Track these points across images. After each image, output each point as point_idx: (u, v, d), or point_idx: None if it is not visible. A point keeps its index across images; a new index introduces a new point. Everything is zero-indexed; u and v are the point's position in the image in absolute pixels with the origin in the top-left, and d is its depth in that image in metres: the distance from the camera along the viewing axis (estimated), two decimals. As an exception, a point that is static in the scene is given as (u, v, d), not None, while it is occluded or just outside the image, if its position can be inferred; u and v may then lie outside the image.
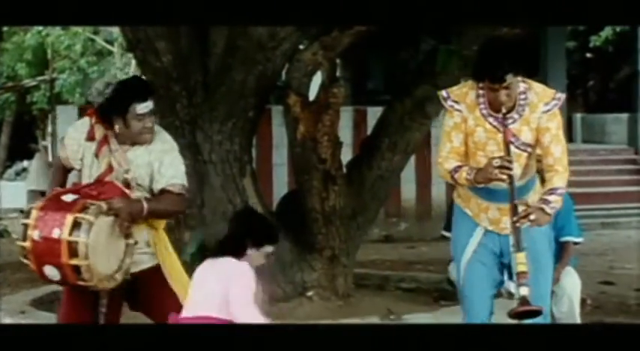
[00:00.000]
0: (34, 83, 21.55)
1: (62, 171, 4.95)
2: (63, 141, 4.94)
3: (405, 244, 12.31)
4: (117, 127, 4.73)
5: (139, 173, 4.69)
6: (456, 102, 4.47)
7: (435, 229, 6.99)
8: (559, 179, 4.47)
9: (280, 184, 11.48)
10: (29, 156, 23.49)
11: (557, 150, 4.49)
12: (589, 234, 14.02)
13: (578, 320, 6.15)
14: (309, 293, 6.64)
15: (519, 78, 4.41)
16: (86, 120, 4.87)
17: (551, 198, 4.41)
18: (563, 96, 4.57)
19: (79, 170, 4.85)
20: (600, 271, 10.07)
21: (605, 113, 21.97)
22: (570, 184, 13.59)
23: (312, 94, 6.81)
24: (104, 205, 4.50)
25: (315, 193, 6.64)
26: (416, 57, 11.27)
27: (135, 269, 4.74)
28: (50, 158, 16.93)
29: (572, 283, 6.15)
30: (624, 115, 19.89)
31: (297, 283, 6.69)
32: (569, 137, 22.24)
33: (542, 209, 4.39)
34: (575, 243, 6.33)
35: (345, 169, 6.90)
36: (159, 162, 4.72)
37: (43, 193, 14.63)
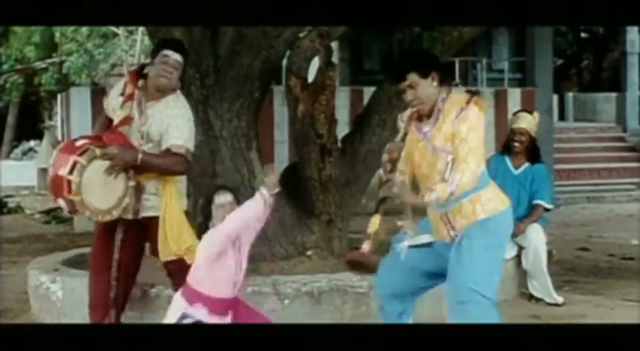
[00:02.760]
0: (43, 65, 21.93)
1: (105, 119, 5.49)
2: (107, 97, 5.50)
3: (398, 217, 12.96)
4: (147, 69, 5.29)
5: (153, 128, 5.20)
6: (402, 120, 4.64)
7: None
8: (459, 176, 4.33)
9: (281, 159, 11.75)
10: (35, 136, 23.77)
11: (463, 150, 4.38)
12: (574, 207, 14.71)
13: (544, 269, 6.74)
14: (309, 253, 6.95)
15: (433, 83, 4.47)
16: (124, 80, 5.43)
17: (438, 186, 4.34)
18: (480, 99, 4.46)
19: None
20: (579, 240, 10.66)
21: (599, 92, 22.31)
22: (559, 160, 14.20)
23: (311, 77, 7.09)
24: (98, 151, 5.04)
25: (313, 164, 6.95)
26: (410, 38, 11.67)
27: (145, 214, 5.28)
28: (59, 137, 17.36)
29: (536, 235, 6.73)
30: (613, 94, 20.29)
31: (298, 243, 6.95)
32: (562, 116, 22.57)
33: (408, 187, 4.41)
34: (546, 209, 6.86)
35: (340, 143, 7.16)
36: (169, 123, 5.20)
37: None
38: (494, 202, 4.51)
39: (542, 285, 6.80)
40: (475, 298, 4.38)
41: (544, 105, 15.17)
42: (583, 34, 28.07)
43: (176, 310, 4.91)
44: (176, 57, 5.29)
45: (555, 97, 21.32)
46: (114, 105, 5.44)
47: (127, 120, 5.28)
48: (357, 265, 4.42)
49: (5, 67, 23.17)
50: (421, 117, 4.55)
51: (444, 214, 4.48)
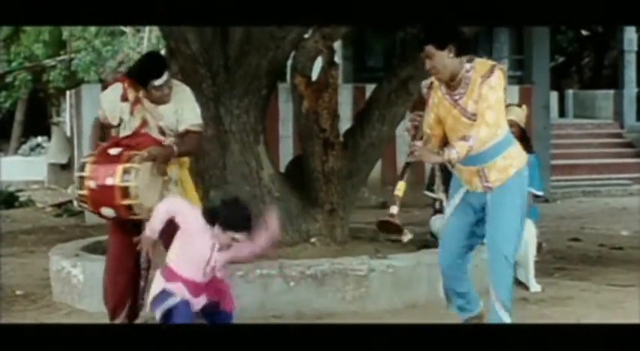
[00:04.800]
0: (52, 63, 22.13)
1: (101, 128, 5.73)
2: (100, 104, 5.66)
3: (399, 209, 13.22)
4: (141, 93, 5.52)
5: (169, 121, 5.52)
6: (429, 88, 5.04)
7: (426, 196, 7.62)
8: (477, 131, 4.74)
9: (286, 153, 12.07)
10: (43, 132, 23.85)
11: (490, 116, 4.77)
12: (571, 201, 14.91)
13: (531, 262, 7.02)
14: (312, 240, 7.22)
15: (450, 55, 4.78)
16: (118, 85, 5.63)
17: (457, 143, 4.74)
18: (502, 67, 4.84)
19: (117, 126, 5.59)
20: (572, 231, 10.75)
21: (599, 90, 22.42)
22: (558, 156, 14.25)
23: (315, 76, 7.35)
24: (145, 154, 5.30)
25: (317, 157, 7.18)
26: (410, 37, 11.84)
27: None
28: (68, 133, 17.61)
29: (527, 230, 6.76)
30: (612, 92, 20.29)
31: (302, 231, 7.22)
32: (562, 112, 22.74)
33: (428, 150, 4.83)
34: (536, 195, 7.05)
35: (342, 137, 7.38)
36: (181, 108, 5.52)
37: (62, 166, 15.52)
38: (520, 157, 5.04)
39: (526, 274, 7.12)
40: (514, 246, 5.08)
41: (541, 102, 15.33)
42: (584, 32, 28.12)
43: (156, 285, 5.06)
44: (165, 78, 5.52)
45: (555, 94, 21.54)
46: (116, 111, 5.62)
47: (145, 122, 5.60)
48: (386, 226, 4.88)
49: (14, 64, 23.34)
50: (450, 86, 4.91)
51: (481, 169, 4.96)
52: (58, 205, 14.39)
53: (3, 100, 24.02)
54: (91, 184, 5.29)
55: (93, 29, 21.20)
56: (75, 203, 14.13)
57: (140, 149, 5.40)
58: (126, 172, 5.26)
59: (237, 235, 4.84)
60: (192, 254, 4.96)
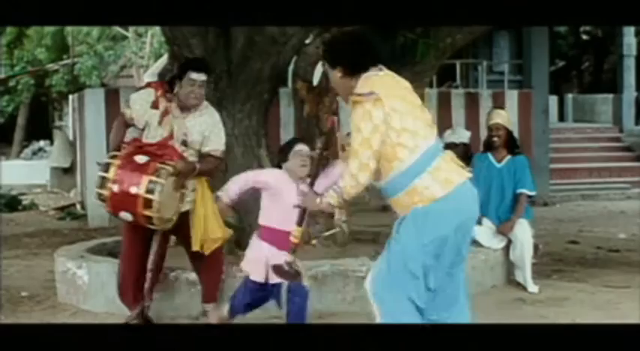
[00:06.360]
0: (55, 67, 22.21)
1: (124, 127, 5.79)
2: (128, 103, 5.76)
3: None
4: (176, 88, 5.67)
5: (194, 138, 5.67)
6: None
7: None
8: (343, 180, 4.25)
9: None
10: (45, 136, 23.90)
11: (355, 144, 4.20)
12: (570, 205, 15.03)
13: (527, 263, 7.12)
14: (313, 242, 7.32)
15: (338, 74, 4.31)
16: (150, 91, 5.77)
17: (328, 192, 4.32)
18: (356, 99, 4.16)
19: (142, 129, 5.72)
20: (570, 234, 10.86)
21: (599, 94, 22.50)
22: (558, 160, 14.31)
23: (316, 80, 7.38)
24: (171, 169, 5.45)
25: (318, 160, 7.30)
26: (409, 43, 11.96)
27: (185, 208, 5.70)
28: (71, 137, 17.69)
29: (522, 231, 7.10)
30: (611, 96, 20.46)
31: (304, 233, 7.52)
32: (561, 117, 22.85)
33: (313, 198, 4.40)
34: (529, 196, 7.21)
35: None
36: (208, 131, 5.70)
37: (65, 170, 15.58)
38: (432, 188, 4.13)
39: (523, 275, 7.23)
40: (374, 292, 4.31)
41: (540, 106, 15.48)
42: (584, 37, 28.25)
43: (257, 250, 5.26)
44: (202, 78, 5.71)
45: (555, 99, 21.66)
46: (145, 116, 5.74)
47: (172, 136, 5.71)
48: (280, 270, 4.80)
49: (17, 68, 23.43)
50: None
51: (390, 204, 4.32)
52: (61, 209, 14.48)
53: (6, 104, 24.10)
54: (114, 187, 5.42)
55: (95, 34, 21.35)
56: (78, 206, 14.29)
57: (165, 160, 5.54)
58: (151, 183, 5.40)
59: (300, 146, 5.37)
60: (283, 206, 5.10)
